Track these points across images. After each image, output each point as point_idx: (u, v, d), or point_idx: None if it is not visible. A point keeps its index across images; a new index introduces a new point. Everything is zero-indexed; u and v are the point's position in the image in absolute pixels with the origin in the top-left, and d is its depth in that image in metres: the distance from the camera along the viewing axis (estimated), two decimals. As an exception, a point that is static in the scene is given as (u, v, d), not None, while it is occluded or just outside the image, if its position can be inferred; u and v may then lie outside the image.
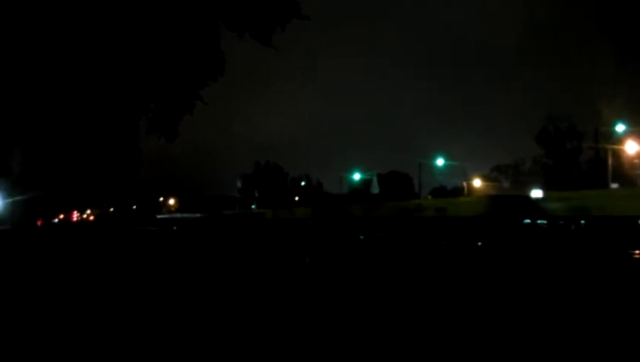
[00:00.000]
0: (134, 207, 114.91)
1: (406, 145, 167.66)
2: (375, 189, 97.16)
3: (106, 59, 6.71)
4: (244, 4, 6.59)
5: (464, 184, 74.11)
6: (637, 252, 19.89)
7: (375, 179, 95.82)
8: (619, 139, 51.95)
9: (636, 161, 53.46)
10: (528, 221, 36.49)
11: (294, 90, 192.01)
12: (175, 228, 63.66)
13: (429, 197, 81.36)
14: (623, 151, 52.37)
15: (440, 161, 67.22)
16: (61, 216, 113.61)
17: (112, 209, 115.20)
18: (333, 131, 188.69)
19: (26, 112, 7.14)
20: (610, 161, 51.17)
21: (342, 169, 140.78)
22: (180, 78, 7.09)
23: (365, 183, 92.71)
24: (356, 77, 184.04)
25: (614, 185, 47.14)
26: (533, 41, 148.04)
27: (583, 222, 32.91)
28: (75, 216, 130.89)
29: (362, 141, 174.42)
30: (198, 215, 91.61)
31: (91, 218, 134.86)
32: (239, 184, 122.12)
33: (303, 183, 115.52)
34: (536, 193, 54.24)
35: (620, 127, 50.70)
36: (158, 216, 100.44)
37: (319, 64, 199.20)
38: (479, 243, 25.99)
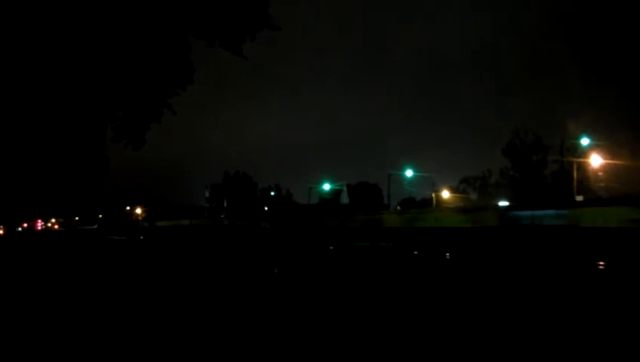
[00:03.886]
0: (100, 216, 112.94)
1: (376, 158, 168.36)
2: (345, 200, 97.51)
3: (73, 66, 6.56)
4: (213, 13, 6.51)
5: (433, 195, 74.61)
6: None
7: (345, 189, 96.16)
8: (584, 153, 52.89)
9: (600, 174, 54.44)
10: None
11: (266, 102, 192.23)
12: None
13: (398, 207, 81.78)
14: (588, 164, 53.31)
15: (409, 173, 67.65)
16: (25, 225, 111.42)
17: (77, 218, 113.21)
18: (303, 144, 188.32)
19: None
20: (575, 174, 52.04)
21: (312, 180, 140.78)
22: (148, 86, 6.97)
23: (335, 193, 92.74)
24: (327, 92, 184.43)
25: (579, 198, 47.90)
26: (503, 56, 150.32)
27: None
28: (40, 224, 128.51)
29: (333, 154, 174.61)
30: None
31: (56, 226, 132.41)
32: (207, 193, 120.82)
33: (272, 193, 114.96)
34: (503, 204, 55.06)
35: (585, 141, 51.60)
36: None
37: (294, 77, 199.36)
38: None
